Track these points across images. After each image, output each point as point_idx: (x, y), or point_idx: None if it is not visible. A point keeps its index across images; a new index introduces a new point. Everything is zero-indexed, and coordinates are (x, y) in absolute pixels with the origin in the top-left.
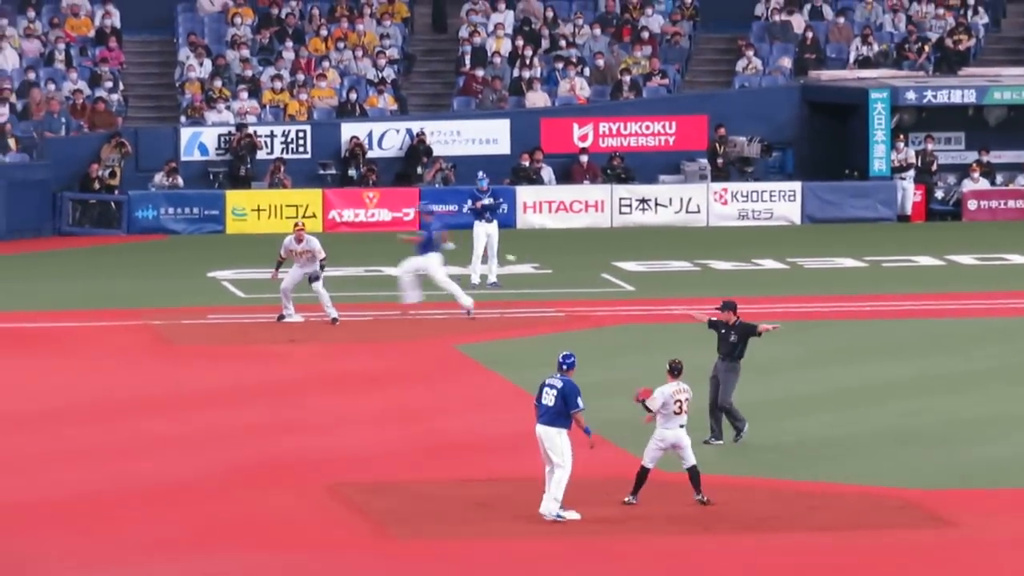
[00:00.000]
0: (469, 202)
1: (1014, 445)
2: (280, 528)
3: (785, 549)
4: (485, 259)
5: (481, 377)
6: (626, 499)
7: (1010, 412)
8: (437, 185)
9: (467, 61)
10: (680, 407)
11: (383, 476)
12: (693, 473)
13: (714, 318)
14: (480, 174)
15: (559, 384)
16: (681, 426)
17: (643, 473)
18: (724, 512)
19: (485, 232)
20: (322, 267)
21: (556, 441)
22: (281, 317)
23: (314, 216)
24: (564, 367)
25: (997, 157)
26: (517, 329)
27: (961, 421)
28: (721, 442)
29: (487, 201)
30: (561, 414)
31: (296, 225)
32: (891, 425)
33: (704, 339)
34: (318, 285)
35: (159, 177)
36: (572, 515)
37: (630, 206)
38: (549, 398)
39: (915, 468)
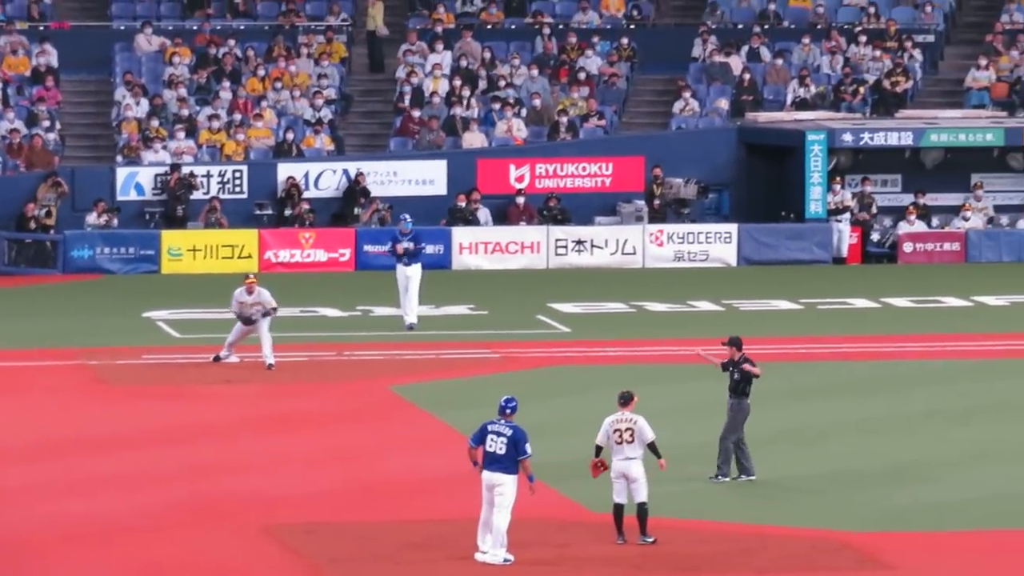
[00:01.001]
0: (389, 244)
1: (952, 487)
2: (216, 569)
3: None
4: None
5: (417, 418)
6: (617, 541)
7: (948, 454)
8: (374, 226)
9: (405, 101)
10: (620, 437)
11: (319, 516)
12: (640, 510)
13: (724, 360)
14: (404, 216)
15: (507, 432)
16: (630, 458)
17: (616, 510)
18: (659, 554)
19: (404, 275)
20: (267, 314)
21: (507, 488)
22: (217, 358)
23: (250, 256)
24: (507, 411)
25: (933, 200)
26: (453, 370)
27: (899, 463)
28: (727, 479)
29: (407, 245)
30: (513, 461)
31: (247, 278)
32: (829, 467)
33: (642, 379)
34: (264, 326)
35: (92, 217)
36: (507, 556)
37: (566, 247)
38: (498, 446)
39: (853, 510)
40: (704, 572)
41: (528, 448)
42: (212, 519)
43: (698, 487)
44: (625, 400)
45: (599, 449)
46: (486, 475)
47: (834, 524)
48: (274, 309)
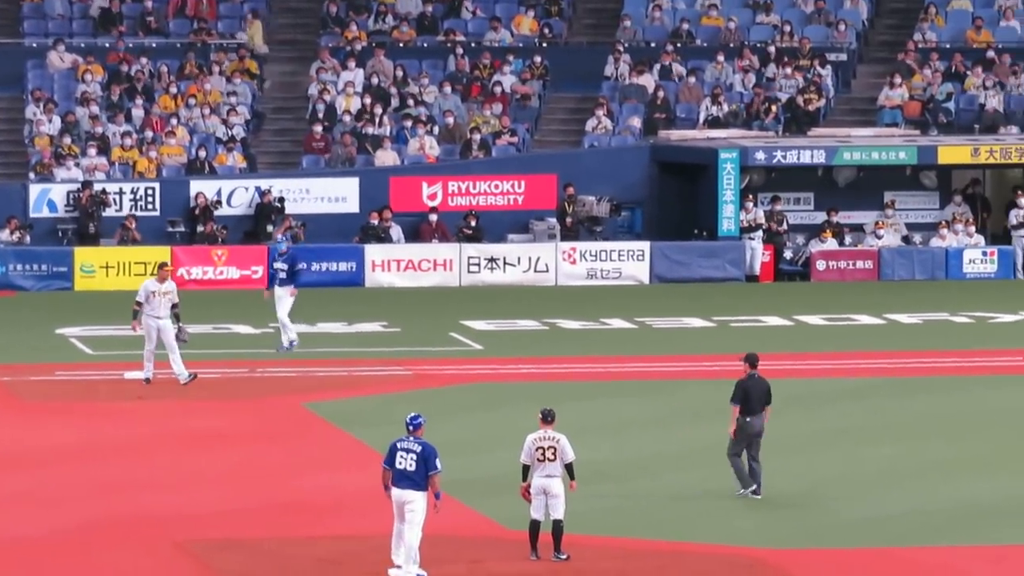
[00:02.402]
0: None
1: (865, 505)
2: None
3: None
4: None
5: (329, 435)
6: (531, 558)
7: (859, 472)
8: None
9: (318, 119)
10: (543, 455)
11: (232, 533)
12: (555, 528)
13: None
14: (279, 236)
15: (417, 448)
16: (551, 475)
17: (532, 526)
18: (572, 570)
19: (276, 295)
20: (177, 316)
21: (418, 504)
22: (148, 380)
23: None
24: (411, 428)
25: (846, 217)
26: (365, 387)
27: (812, 481)
28: (757, 495)
29: (278, 265)
30: (423, 477)
31: (163, 266)
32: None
33: (555, 396)
34: (171, 335)
35: (4, 234)
36: (420, 573)
37: (479, 265)
38: (408, 462)
39: (766, 527)
40: None
41: (439, 464)
42: (126, 535)
43: (612, 504)
44: (548, 418)
45: (526, 469)
46: (396, 492)
47: (748, 541)
48: (177, 305)
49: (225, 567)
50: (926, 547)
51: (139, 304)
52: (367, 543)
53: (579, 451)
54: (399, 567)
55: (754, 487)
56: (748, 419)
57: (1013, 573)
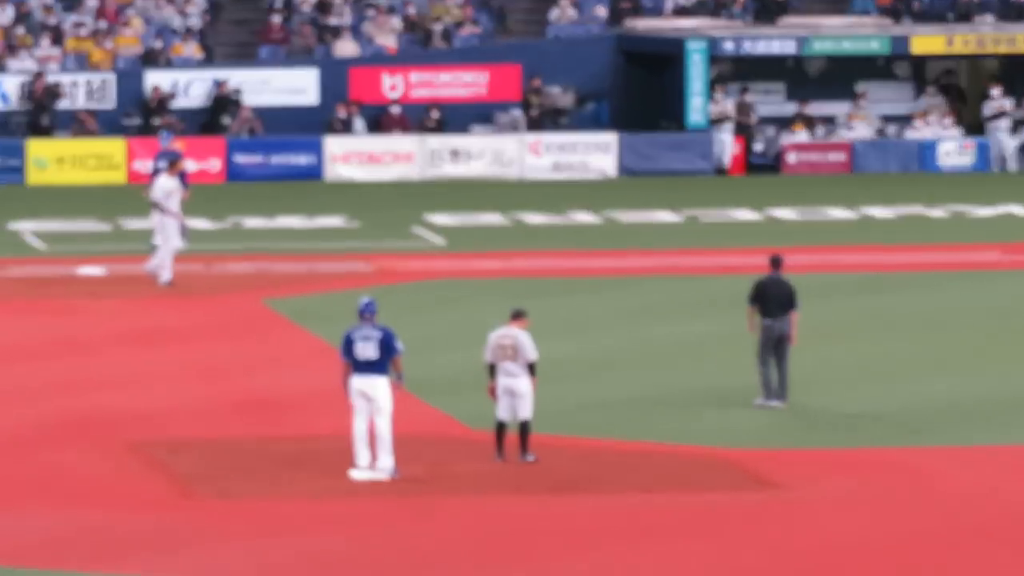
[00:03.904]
0: None
1: (832, 404)
2: (81, 486)
3: (600, 509)
4: None
5: (289, 332)
6: (496, 459)
7: (829, 371)
8: (243, 135)
9: (276, 8)
10: (504, 353)
11: (188, 434)
12: (522, 428)
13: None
14: (162, 132)
15: (376, 334)
16: (513, 374)
17: (499, 427)
18: (538, 471)
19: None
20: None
21: (383, 391)
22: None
23: (118, 167)
24: (367, 315)
25: (817, 109)
26: (326, 283)
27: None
28: (780, 402)
29: (160, 165)
30: (385, 362)
31: (177, 161)
32: (710, 384)
33: (520, 293)
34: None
35: None
36: (383, 474)
37: (441, 158)
38: (369, 350)
39: (731, 426)
40: (583, 490)
41: (400, 345)
42: (78, 436)
43: (579, 403)
44: (516, 316)
45: (492, 368)
46: (358, 380)
47: (713, 441)
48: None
49: (181, 468)
50: (894, 447)
51: (156, 203)
52: (327, 442)
53: (544, 349)
54: (361, 467)
55: (775, 401)
56: (767, 322)
57: (981, 474)
